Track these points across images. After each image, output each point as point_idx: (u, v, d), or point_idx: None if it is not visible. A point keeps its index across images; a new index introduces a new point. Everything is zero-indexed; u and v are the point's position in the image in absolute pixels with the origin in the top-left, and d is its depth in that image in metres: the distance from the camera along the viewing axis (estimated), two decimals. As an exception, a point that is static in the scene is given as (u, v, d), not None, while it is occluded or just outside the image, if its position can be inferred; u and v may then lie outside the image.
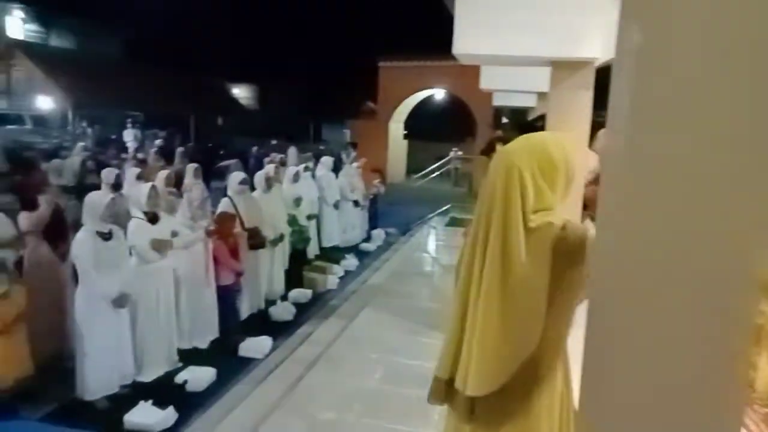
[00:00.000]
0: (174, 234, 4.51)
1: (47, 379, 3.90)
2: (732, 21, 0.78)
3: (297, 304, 5.88)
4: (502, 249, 1.49)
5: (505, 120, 15.69)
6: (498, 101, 9.47)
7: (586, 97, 3.71)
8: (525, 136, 1.69)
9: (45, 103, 16.33)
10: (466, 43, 3.46)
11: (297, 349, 4.40)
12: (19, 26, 22.36)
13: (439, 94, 19.52)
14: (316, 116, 30.97)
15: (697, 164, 0.81)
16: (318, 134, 30.69)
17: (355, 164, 9.60)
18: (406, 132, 19.73)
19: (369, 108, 19.50)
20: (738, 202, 0.79)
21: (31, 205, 4.38)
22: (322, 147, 14.04)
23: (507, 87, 7.06)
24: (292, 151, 9.52)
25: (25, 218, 4.26)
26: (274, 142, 18.88)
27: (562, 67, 3.79)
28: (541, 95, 6.52)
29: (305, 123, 31.43)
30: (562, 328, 1.55)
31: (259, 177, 6.19)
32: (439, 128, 21.64)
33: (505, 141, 3.01)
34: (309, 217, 7.33)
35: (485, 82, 6.73)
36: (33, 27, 23.32)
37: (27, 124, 16.20)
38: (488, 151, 4.41)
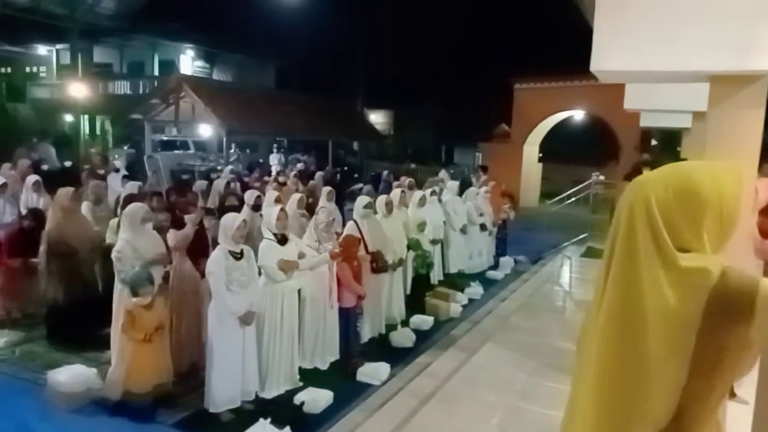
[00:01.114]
0: (301, 255, 4.65)
1: (184, 387, 4.18)
2: None
3: (418, 331, 5.76)
4: (625, 287, 1.25)
5: (654, 142, 14.37)
6: (645, 122, 8.64)
7: (756, 117, 3.16)
8: (672, 164, 1.40)
9: (205, 130, 18.28)
10: (606, 59, 3.13)
11: (413, 380, 4.27)
12: (188, 63, 25.57)
13: (578, 115, 18.53)
14: (449, 140, 31.02)
15: None
16: (450, 157, 30.70)
17: (483, 188, 9.35)
18: (541, 155, 18.97)
19: (502, 130, 19.04)
20: None
21: (178, 224, 4.80)
22: (451, 171, 13.93)
23: (656, 107, 6.38)
24: (443, 173, 9.60)
25: (172, 236, 4.66)
26: (413, 165, 19.23)
27: (724, 83, 3.27)
28: (698, 115, 5.79)
29: (438, 146, 31.66)
30: (712, 405, 1.23)
31: (380, 201, 6.23)
32: (578, 151, 20.55)
33: (654, 165, 2.64)
34: (433, 242, 7.23)
35: (630, 102, 6.16)
36: (199, 63, 26.53)
37: (190, 149, 18.25)
38: (633, 175, 3.96)
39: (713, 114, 3.34)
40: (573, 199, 17.90)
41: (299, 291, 4.65)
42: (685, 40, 2.95)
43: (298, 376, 4.49)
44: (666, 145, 13.74)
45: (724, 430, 1.28)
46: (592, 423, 1.26)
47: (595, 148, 19.72)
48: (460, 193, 8.87)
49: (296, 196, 6.41)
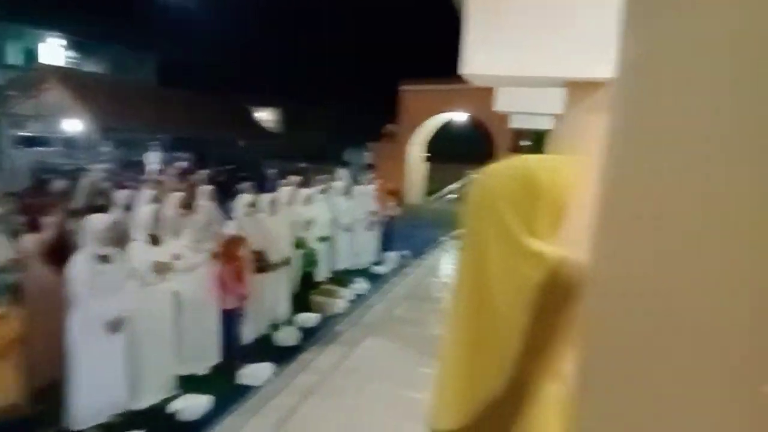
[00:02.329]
0: (177, 256, 4.45)
1: (42, 406, 3.82)
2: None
3: (304, 329, 5.75)
4: (476, 274, 1.36)
5: (525, 143, 15.49)
6: (514, 123, 9.31)
7: (602, 120, 3.53)
8: (515, 156, 1.54)
9: (74, 126, 16.77)
10: (474, 62, 3.34)
11: (297, 378, 4.26)
12: (54, 53, 23.27)
13: (462, 116, 19.47)
14: (340, 139, 31.19)
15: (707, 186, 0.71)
16: (341, 156, 30.90)
17: (369, 186, 9.53)
18: (428, 154, 19.68)
19: (389, 130, 19.52)
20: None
21: (34, 227, 4.38)
22: (341, 169, 14.06)
23: (522, 109, 6.91)
24: (338, 171, 9.61)
25: (27, 241, 4.24)
26: (303, 164, 19.03)
27: (577, 88, 3.62)
28: (558, 117, 6.35)
29: (329, 145, 31.67)
30: (553, 370, 1.39)
31: (265, 200, 6.13)
32: (461, 151, 21.56)
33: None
34: (321, 240, 7.25)
35: (500, 104, 6.60)
36: (70, 53, 24.26)
37: (55, 145, 16.64)
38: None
39: (567, 117, 3.69)
40: (455, 195, 18.71)
41: (176, 294, 4.44)
42: (544, 46, 3.22)
43: (174, 384, 4.29)
44: (535, 146, 14.88)
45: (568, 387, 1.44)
46: (453, 388, 1.37)
47: (477, 149, 20.81)
48: (348, 191, 8.97)
49: (175, 195, 6.10)
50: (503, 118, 10.16)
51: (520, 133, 14.95)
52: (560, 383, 1.42)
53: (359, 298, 6.97)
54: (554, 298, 1.28)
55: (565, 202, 1.45)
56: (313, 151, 28.74)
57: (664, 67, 0.77)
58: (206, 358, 4.71)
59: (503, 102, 6.43)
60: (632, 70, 0.80)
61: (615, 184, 0.81)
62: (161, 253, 4.29)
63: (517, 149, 14.25)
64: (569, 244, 2.14)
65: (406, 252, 9.67)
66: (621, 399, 0.83)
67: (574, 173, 1.52)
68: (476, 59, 3.22)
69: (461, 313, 1.37)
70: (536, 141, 14.05)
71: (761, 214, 0.73)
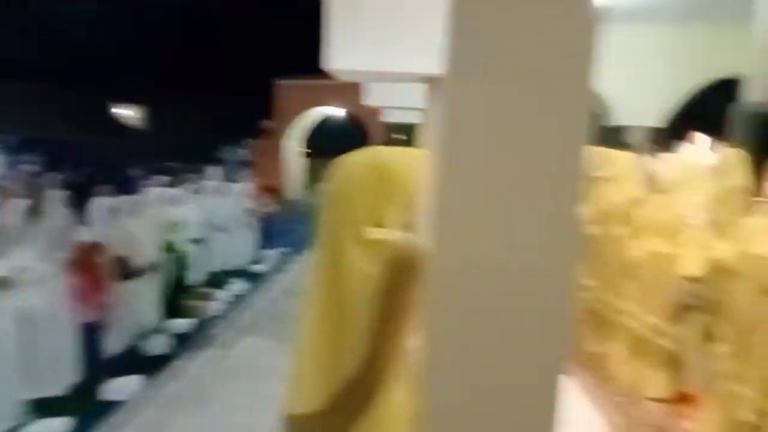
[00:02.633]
0: (22, 269, 4.02)
1: None
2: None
3: (176, 336, 5.47)
4: (331, 262, 1.41)
5: (398, 137, 15.97)
6: (386, 117, 9.56)
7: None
8: (371, 147, 1.61)
9: None
10: (337, 58, 3.36)
11: (166, 387, 4.05)
12: None
13: (339, 111, 19.56)
14: (212, 136, 29.83)
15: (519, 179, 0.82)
16: (213, 154, 29.56)
17: (245, 184, 9.29)
18: (307, 150, 19.56)
19: (265, 126, 19.09)
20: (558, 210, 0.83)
21: None
22: (216, 167, 13.45)
23: (392, 103, 7.10)
24: (209, 170, 9.16)
25: None
26: (172, 163, 17.88)
27: (435, 84, 3.81)
28: (424, 112, 6.61)
29: (202, 143, 30.12)
30: (401, 347, 1.47)
31: (125, 202, 5.73)
32: (338, 146, 21.63)
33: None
34: (193, 241, 6.93)
35: (371, 99, 6.71)
36: None
37: None
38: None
39: (429, 111, 3.88)
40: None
41: (22, 311, 4.00)
42: (402, 43, 3.33)
43: (27, 408, 3.87)
44: (408, 140, 15.41)
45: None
46: (309, 373, 1.41)
47: (354, 143, 20.96)
48: (222, 189, 8.66)
49: (18, 202, 5.50)
50: (378, 112, 10.39)
51: (392, 127, 15.39)
52: (408, 358, 1.51)
53: (237, 299, 6.78)
54: (399, 281, 1.37)
55: (416, 191, 1.55)
56: (183, 149, 27.18)
57: (482, 67, 0.85)
58: (63, 377, 4.30)
59: (374, 97, 6.55)
60: (455, 69, 0.87)
61: (445, 174, 0.88)
62: (1, 266, 3.85)
63: (391, 143, 14.65)
64: (420, 230, 2.27)
65: (286, 249, 9.57)
66: (461, 365, 0.93)
67: (421, 165, 1.64)
68: (337, 55, 3.26)
69: (317, 299, 1.42)
70: (408, 135, 14.56)
71: (565, 204, 0.87)
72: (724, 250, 2.50)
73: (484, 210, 0.86)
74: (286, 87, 17.82)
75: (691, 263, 2.85)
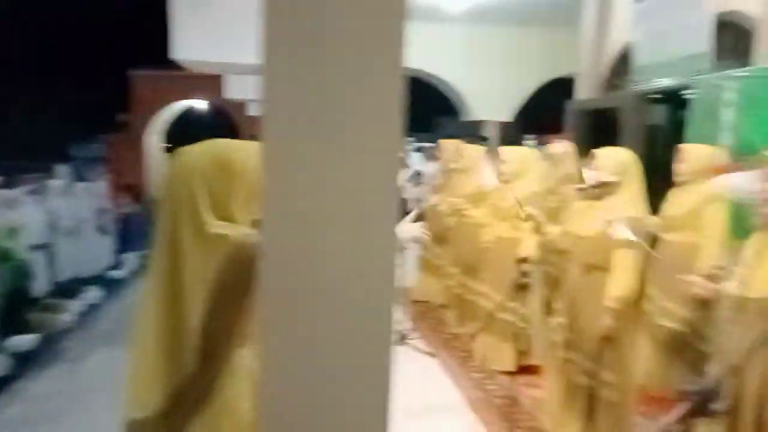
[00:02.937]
0: None
1: None
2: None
3: (18, 354, 4.88)
4: (169, 259, 1.34)
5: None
6: (251, 111, 9.32)
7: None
8: (212, 139, 1.53)
9: None
10: (184, 48, 3.21)
11: (5, 412, 3.61)
12: None
13: (202, 104, 18.62)
14: (60, 131, 26.93)
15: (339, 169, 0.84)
16: (62, 151, 26.73)
17: (99, 182, 8.52)
18: (169, 145, 18.38)
19: (122, 120, 17.62)
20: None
21: None
22: (60, 165, 12.13)
23: (249, 96, 6.94)
24: (63, 168, 8.17)
25: None
26: (5, 162, 15.78)
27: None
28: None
29: (49, 139, 27.07)
30: (241, 337, 1.45)
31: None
32: (204, 140, 20.64)
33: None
34: (35, 248, 6.21)
35: (231, 91, 6.52)
36: None
37: None
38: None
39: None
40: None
41: None
42: (244, 35, 3.25)
43: None
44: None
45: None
46: (147, 374, 1.34)
47: (221, 137, 20.15)
48: (70, 189, 7.85)
49: None
50: (245, 106, 10.07)
51: (258, 121, 15.03)
52: (248, 348, 1.49)
53: (92, 309, 6.21)
54: (237, 277, 1.34)
55: (258, 183, 1.52)
56: (25, 145, 24.25)
57: (296, 59, 0.85)
58: None
59: (232, 88, 6.36)
60: (269, 60, 0.86)
61: (271, 167, 0.88)
62: None
63: (257, 136, 14.31)
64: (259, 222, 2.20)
65: (147, 251, 8.93)
66: (295, 360, 0.93)
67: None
68: (183, 45, 3.11)
69: (155, 299, 1.34)
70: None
71: (385, 195, 0.90)
72: (554, 232, 2.79)
73: (307, 202, 0.87)
74: (146, 78, 16.58)
75: (527, 246, 3.15)
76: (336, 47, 0.83)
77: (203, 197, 1.36)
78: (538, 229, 3.11)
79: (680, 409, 0.94)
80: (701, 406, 0.95)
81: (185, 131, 20.31)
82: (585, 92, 6.21)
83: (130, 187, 10.00)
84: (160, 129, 17.38)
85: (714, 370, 1.94)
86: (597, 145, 2.79)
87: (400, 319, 4.21)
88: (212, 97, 16.59)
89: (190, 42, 3.24)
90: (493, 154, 4.93)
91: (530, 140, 7.32)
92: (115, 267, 7.96)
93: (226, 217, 1.40)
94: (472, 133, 9.51)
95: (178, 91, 16.48)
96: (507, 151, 3.63)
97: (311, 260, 0.90)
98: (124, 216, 8.77)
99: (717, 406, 0.94)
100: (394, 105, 0.86)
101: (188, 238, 1.33)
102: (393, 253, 0.94)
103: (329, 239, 0.88)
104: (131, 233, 8.97)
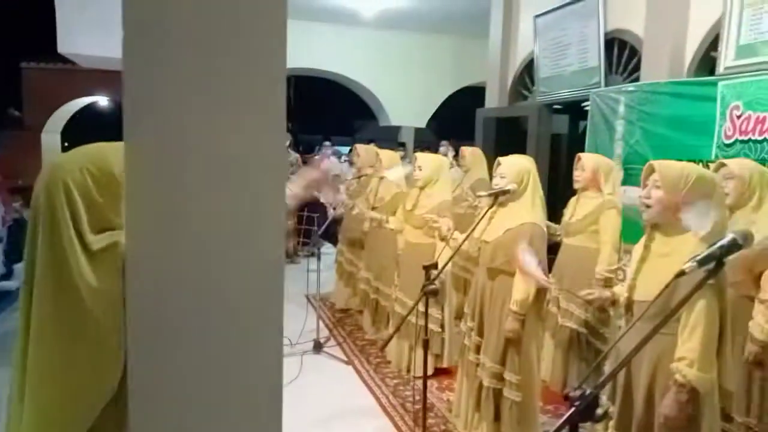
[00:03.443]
0: None
1: None
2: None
3: None
4: (54, 280, 1.20)
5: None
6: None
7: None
8: (87, 145, 1.39)
9: None
10: (72, 41, 2.98)
11: None
12: None
13: (105, 101, 17.50)
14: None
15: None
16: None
17: (-17, 186, 7.76)
18: (66, 144, 17.12)
19: (13, 116, 16.18)
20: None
21: None
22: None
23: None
24: None
25: None
26: None
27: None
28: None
29: None
30: None
31: None
32: (109, 139, 19.44)
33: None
34: None
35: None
36: None
37: None
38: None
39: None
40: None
41: None
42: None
43: None
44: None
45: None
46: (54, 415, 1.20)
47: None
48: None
49: None
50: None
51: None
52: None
53: (-25, 325, 5.64)
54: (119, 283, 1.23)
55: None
56: None
57: (159, 55, 0.78)
58: None
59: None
60: (130, 58, 0.79)
61: (133, 168, 0.81)
62: None
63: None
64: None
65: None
66: (166, 373, 0.85)
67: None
68: (69, 39, 2.89)
69: (39, 321, 1.21)
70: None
71: (260, 197, 0.84)
72: (461, 238, 2.85)
73: (172, 206, 0.81)
74: (38, 72, 15.32)
75: (438, 252, 3.21)
76: (208, 44, 0.77)
77: (84, 208, 1.25)
78: (445, 236, 3.18)
79: (565, 415, 0.97)
80: (585, 411, 0.99)
81: (85, 129, 19.03)
82: (493, 101, 6.45)
83: (24, 189, 9.17)
84: (58, 127, 16.12)
85: (608, 370, 2.06)
86: (504, 152, 2.90)
87: (316, 327, 4.16)
88: (115, 94, 15.64)
89: (76, 36, 3.02)
90: (407, 159, 4.99)
91: (444, 146, 7.51)
92: (5, 277, 7.28)
93: (108, 226, 1.29)
94: (389, 137, 9.61)
95: (78, 87, 15.36)
96: (421, 157, 3.68)
97: (188, 268, 0.83)
98: (17, 221, 8.04)
99: (600, 411, 0.99)
100: (275, 104, 0.80)
101: (72, 255, 1.22)
102: (279, 260, 0.88)
103: (208, 247, 0.82)
104: (24, 241, 8.25)
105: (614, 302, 2.14)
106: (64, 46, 2.99)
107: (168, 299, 0.84)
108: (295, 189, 1.56)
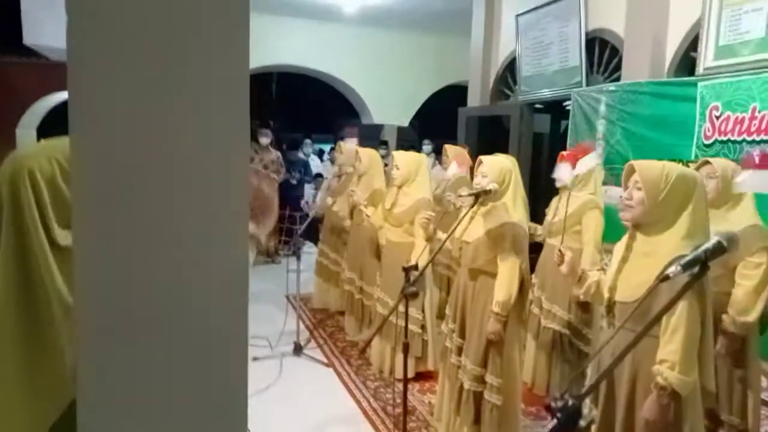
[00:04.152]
0: None
1: None
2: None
3: None
4: (18, 274, 1.14)
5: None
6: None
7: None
8: (57, 137, 1.33)
9: None
10: (39, 33, 2.87)
11: None
12: None
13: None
14: None
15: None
16: None
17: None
18: (42, 140, 16.74)
19: (-16, 111, 15.77)
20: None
21: None
22: None
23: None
24: None
25: None
26: None
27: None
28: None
29: None
30: None
31: None
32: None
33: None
34: None
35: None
36: None
37: None
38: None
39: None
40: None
41: None
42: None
43: None
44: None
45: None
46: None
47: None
48: None
49: None
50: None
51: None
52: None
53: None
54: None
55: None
56: None
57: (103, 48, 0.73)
58: None
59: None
60: (73, 51, 0.73)
61: (80, 163, 0.75)
62: None
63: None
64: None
65: None
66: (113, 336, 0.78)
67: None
68: (35, 30, 2.78)
69: (5, 327, 1.14)
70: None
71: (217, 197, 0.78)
72: (443, 238, 2.81)
73: (122, 205, 0.75)
74: (11, 66, 14.96)
75: (418, 251, 3.16)
76: (161, 33, 0.71)
77: (56, 201, 1.19)
78: (428, 235, 3.13)
79: (546, 428, 0.94)
80: (567, 422, 0.95)
81: (62, 125, 18.62)
82: (475, 100, 6.44)
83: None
84: (33, 122, 15.77)
85: (591, 374, 2.04)
86: (487, 151, 2.86)
87: (296, 328, 4.09)
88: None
89: (43, 27, 2.91)
90: (388, 158, 4.94)
91: (427, 145, 7.48)
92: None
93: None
94: (372, 136, 9.56)
95: (54, 82, 15.02)
96: (400, 156, 3.63)
97: (140, 270, 0.77)
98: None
99: (583, 423, 0.95)
100: (236, 98, 0.75)
101: (41, 254, 1.15)
102: (241, 260, 0.82)
103: (162, 248, 0.77)
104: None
105: (582, 279, 2.11)
106: (29, 38, 2.87)
107: (118, 303, 0.78)
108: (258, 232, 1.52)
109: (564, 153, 3.39)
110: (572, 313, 3.21)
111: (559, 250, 2.12)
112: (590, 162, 3.22)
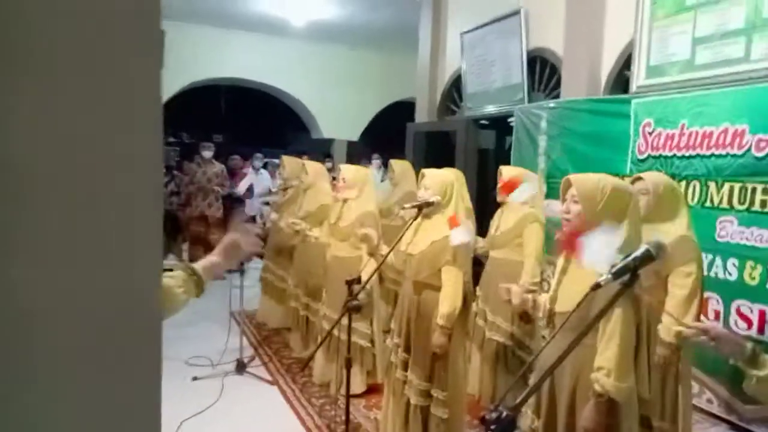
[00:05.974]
0: None
1: None
2: None
3: None
4: None
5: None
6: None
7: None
8: None
9: None
10: None
11: None
12: None
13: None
14: None
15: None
16: None
17: None
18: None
19: None
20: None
21: None
22: None
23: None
24: None
25: None
26: None
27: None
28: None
29: None
30: None
31: None
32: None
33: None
34: None
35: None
36: None
37: None
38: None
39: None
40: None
41: None
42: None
43: None
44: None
45: None
46: None
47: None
48: None
49: None
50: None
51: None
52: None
53: None
54: None
55: None
56: None
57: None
58: None
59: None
60: None
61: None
62: None
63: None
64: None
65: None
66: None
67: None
68: None
69: None
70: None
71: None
72: (386, 252, 2.79)
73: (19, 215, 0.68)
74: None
75: (363, 266, 3.13)
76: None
77: None
78: (371, 249, 3.11)
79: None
80: (503, 432, 0.93)
81: None
82: (423, 115, 6.51)
83: None
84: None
85: (533, 382, 2.05)
86: (435, 166, 2.87)
87: (239, 345, 3.96)
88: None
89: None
90: (334, 172, 4.91)
91: (377, 159, 7.49)
92: None
93: None
94: (322, 150, 9.50)
95: None
96: (346, 169, 3.60)
97: (38, 287, 0.69)
98: None
99: (518, 432, 0.94)
100: (146, 103, 0.70)
101: None
102: (154, 285, 0.76)
103: (62, 262, 0.69)
104: None
105: (535, 306, 2.14)
106: None
107: (14, 324, 0.70)
108: (216, 259, 1.45)
109: (500, 182, 3.43)
110: (515, 325, 3.25)
111: (507, 289, 2.16)
112: (531, 189, 3.32)
